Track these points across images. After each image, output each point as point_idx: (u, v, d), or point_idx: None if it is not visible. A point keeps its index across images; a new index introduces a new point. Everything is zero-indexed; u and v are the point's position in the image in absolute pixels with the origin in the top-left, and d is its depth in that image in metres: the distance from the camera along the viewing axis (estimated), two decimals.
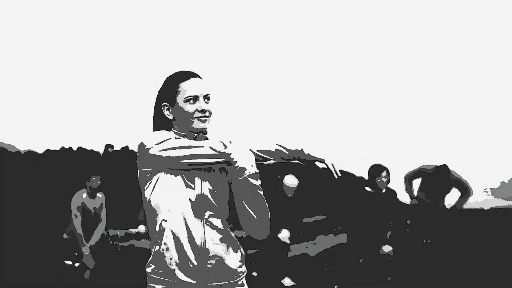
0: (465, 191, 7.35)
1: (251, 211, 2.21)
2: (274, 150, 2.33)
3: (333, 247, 8.66)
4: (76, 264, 6.28)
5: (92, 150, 15.67)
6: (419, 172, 7.56)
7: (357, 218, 5.67)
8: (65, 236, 6.57)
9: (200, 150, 2.19)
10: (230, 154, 2.18)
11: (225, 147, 2.20)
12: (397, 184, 7.67)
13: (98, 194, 6.55)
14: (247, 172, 2.17)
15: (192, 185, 2.25)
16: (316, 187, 12.93)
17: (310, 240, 9.31)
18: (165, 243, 2.22)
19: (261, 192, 2.22)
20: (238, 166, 2.17)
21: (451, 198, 7.48)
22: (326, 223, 11.14)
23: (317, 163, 2.37)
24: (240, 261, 2.35)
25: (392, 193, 5.84)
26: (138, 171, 2.32)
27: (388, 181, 5.74)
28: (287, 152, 2.34)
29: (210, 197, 2.27)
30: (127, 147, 16.35)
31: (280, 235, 6.33)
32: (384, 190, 5.76)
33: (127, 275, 6.59)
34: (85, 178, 6.46)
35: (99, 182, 6.44)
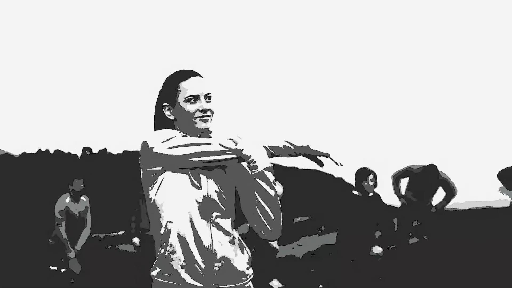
0: (451, 191, 7.42)
1: (268, 209, 2.18)
2: (282, 147, 2.28)
3: (318, 248, 8.67)
4: (62, 270, 6.16)
5: (69, 153, 15.45)
6: (406, 172, 7.61)
7: (346, 220, 5.69)
8: (50, 241, 6.45)
9: (210, 147, 2.13)
10: (242, 149, 2.13)
11: (235, 143, 2.16)
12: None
13: (82, 198, 6.46)
14: (262, 166, 2.13)
15: (199, 186, 2.19)
16: (297, 189, 12.97)
17: (294, 241, 9.32)
18: (171, 245, 2.16)
19: (276, 189, 2.19)
20: (252, 160, 2.13)
21: (437, 197, 7.56)
22: (309, 224, 11.15)
23: (320, 157, 2.34)
24: (247, 263, 2.31)
25: (378, 196, 5.86)
26: (141, 171, 2.25)
27: (375, 185, 5.77)
28: (293, 148, 2.30)
29: (216, 197, 2.22)
30: (105, 149, 16.18)
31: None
32: (371, 194, 5.79)
33: (113, 278, 6.48)
34: (68, 181, 6.35)
35: (82, 185, 6.33)
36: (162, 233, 2.18)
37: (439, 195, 7.54)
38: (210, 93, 2.26)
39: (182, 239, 2.15)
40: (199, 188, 2.19)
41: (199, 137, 2.27)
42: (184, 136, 2.22)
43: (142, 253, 6.43)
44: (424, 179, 7.42)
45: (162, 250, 2.18)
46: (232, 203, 2.30)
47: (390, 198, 7.14)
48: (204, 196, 2.19)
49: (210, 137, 2.30)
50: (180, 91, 2.24)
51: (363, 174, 5.75)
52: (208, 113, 2.24)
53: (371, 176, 5.72)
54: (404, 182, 7.65)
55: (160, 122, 2.33)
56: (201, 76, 2.29)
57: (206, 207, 2.19)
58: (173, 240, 2.16)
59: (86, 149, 14.80)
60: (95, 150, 15.73)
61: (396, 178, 7.59)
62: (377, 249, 5.62)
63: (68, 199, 6.32)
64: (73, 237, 6.32)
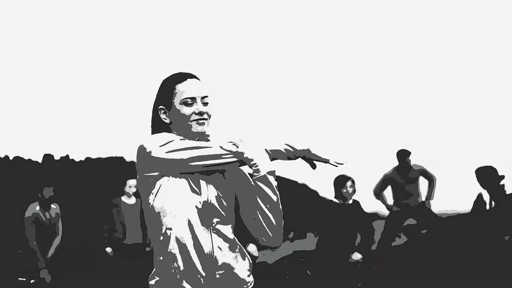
0: (431, 178, 7.55)
1: (269, 214, 2.13)
2: (283, 150, 2.22)
3: (290, 255, 8.65)
4: (32, 281, 5.96)
5: (30, 160, 14.98)
6: (384, 182, 7.66)
7: (326, 227, 5.66)
8: (19, 251, 6.27)
9: (210, 150, 2.08)
10: (244, 153, 2.09)
11: (237, 146, 2.11)
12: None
13: (52, 205, 6.31)
14: (265, 170, 2.09)
15: (198, 191, 2.13)
16: None
17: (265, 248, 9.26)
18: (170, 253, 2.09)
19: (278, 194, 2.15)
20: (254, 164, 2.09)
21: (423, 190, 7.67)
22: None
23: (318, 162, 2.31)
24: (248, 270, 2.26)
25: (357, 203, 5.84)
26: (138, 176, 2.18)
27: (354, 191, 5.74)
28: (293, 151, 2.25)
29: (216, 203, 2.16)
30: (67, 156, 15.79)
31: (248, 249, 6.22)
32: (350, 201, 5.77)
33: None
34: (31, 189, 6.22)
35: (52, 193, 6.19)
36: (161, 240, 2.11)
37: (423, 188, 7.66)
38: (207, 96, 2.21)
39: (182, 246, 2.08)
40: (199, 194, 2.13)
41: (197, 140, 2.21)
42: (182, 139, 2.16)
43: (116, 262, 6.32)
44: (400, 171, 7.52)
45: (161, 258, 2.11)
46: (232, 208, 2.25)
47: (371, 204, 7.18)
48: (204, 202, 2.13)
49: (208, 140, 2.25)
50: (176, 93, 2.19)
51: (341, 181, 5.71)
52: (205, 116, 2.19)
53: (349, 183, 5.69)
54: (387, 192, 7.73)
55: (157, 126, 2.27)
56: (198, 79, 2.24)
57: (206, 213, 2.13)
58: (173, 247, 2.09)
59: (47, 156, 14.44)
60: (56, 157, 15.36)
61: (378, 192, 7.64)
62: (357, 256, 5.60)
63: (38, 207, 6.17)
64: (44, 245, 6.16)
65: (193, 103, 2.18)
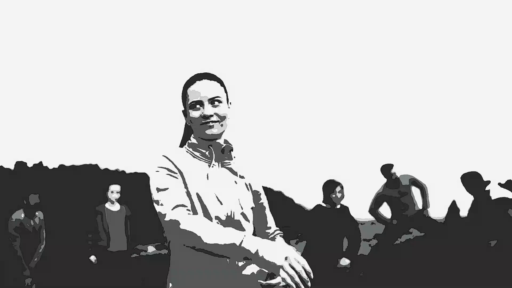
0: (422, 187, 7.62)
1: None
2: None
3: None
4: None
5: (2, 167, 14.66)
6: (378, 199, 7.68)
7: (314, 232, 5.66)
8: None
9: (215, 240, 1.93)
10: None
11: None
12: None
13: (37, 213, 6.19)
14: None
15: (221, 203, 2.13)
16: None
17: None
18: (191, 263, 2.09)
19: None
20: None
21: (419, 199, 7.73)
22: None
23: None
24: (263, 280, 2.26)
25: (346, 208, 5.85)
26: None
27: (343, 196, 5.74)
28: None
29: (240, 216, 2.17)
30: (40, 163, 15.50)
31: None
32: (339, 206, 5.78)
33: None
34: (12, 196, 6.09)
35: (37, 200, 6.09)
36: (181, 251, 2.11)
37: (417, 196, 7.72)
38: (217, 97, 2.14)
39: (203, 257, 2.07)
40: (221, 204, 2.13)
41: (222, 145, 2.20)
42: (174, 176, 2.09)
43: (100, 270, 6.22)
44: (390, 186, 7.59)
45: (181, 268, 2.11)
46: (252, 220, 2.26)
47: (358, 211, 7.21)
48: (227, 214, 2.13)
49: (232, 148, 2.25)
50: (188, 96, 2.17)
51: (330, 186, 5.72)
52: (213, 118, 2.14)
53: (338, 188, 5.69)
54: (384, 208, 7.75)
55: (184, 129, 2.35)
56: (209, 79, 2.17)
57: (228, 225, 2.13)
58: (193, 258, 2.08)
59: (19, 163, 14.16)
60: (29, 164, 15.06)
61: (374, 209, 7.66)
62: (345, 261, 5.60)
63: (22, 215, 6.06)
64: (28, 253, 6.04)
65: (200, 106, 2.14)
